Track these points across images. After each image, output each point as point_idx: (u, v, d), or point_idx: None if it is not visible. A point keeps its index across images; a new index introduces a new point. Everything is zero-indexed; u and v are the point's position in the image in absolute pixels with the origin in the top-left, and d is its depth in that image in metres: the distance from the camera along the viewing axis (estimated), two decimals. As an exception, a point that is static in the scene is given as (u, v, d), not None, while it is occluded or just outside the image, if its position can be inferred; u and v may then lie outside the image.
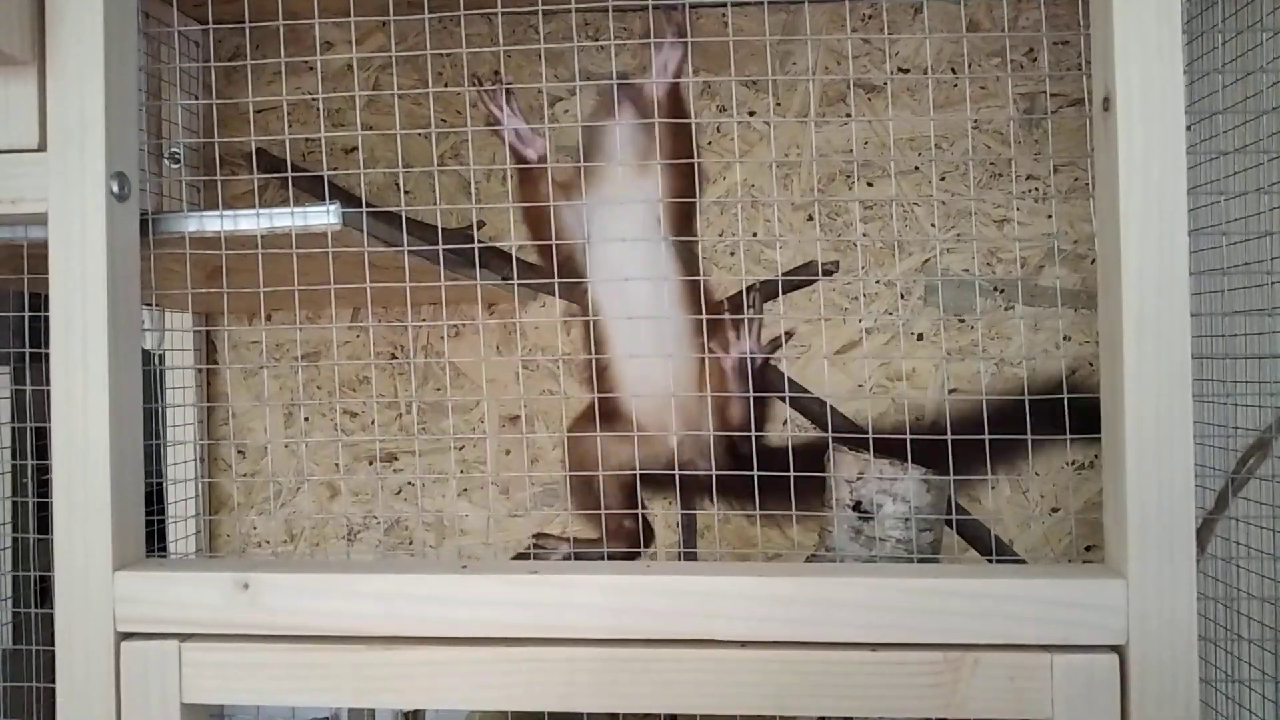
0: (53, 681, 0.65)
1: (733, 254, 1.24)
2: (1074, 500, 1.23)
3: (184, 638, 0.58)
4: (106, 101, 0.59)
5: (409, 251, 0.68)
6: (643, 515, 0.76)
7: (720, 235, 1.24)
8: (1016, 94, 1.23)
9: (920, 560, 0.59)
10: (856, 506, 0.59)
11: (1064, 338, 1.22)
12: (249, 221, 0.63)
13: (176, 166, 1.17)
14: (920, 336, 1.22)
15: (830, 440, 0.63)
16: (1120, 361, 0.56)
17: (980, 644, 0.54)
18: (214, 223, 0.63)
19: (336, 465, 1.28)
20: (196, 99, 1.22)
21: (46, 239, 0.62)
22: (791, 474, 0.55)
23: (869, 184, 1.23)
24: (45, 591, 1.10)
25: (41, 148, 0.60)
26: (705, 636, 0.55)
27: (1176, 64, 0.56)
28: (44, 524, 1.07)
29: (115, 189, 0.60)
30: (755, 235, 1.23)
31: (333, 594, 0.57)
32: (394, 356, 1.29)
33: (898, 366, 1.22)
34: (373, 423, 1.28)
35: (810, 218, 1.23)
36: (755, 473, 0.58)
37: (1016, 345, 1.21)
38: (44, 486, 1.13)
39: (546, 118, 1.25)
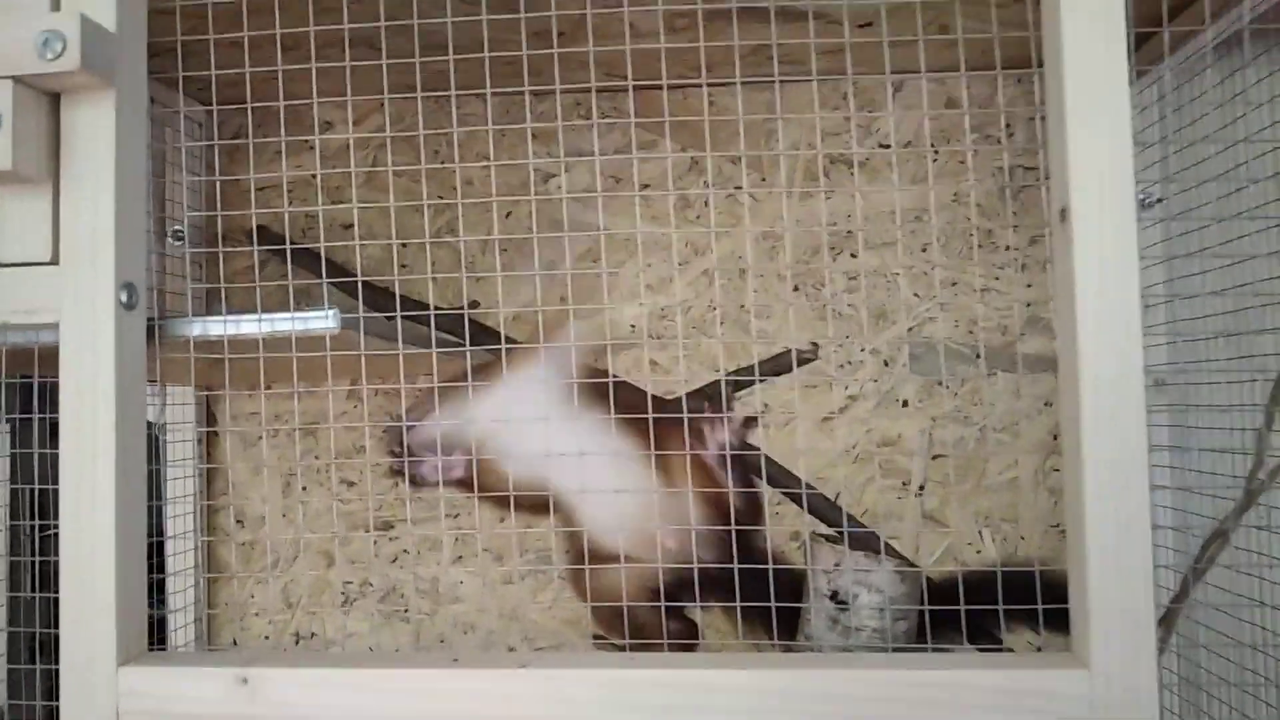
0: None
1: (722, 323, 1.27)
2: (1059, 564, 1.25)
3: (188, 731, 0.60)
4: (117, 216, 0.63)
5: (403, 350, 0.71)
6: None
7: (710, 305, 1.28)
8: (994, 167, 1.27)
9: (895, 649, 0.62)
10: (833, 596, 0.62)
11: (1045, 403, 1.25)
12: (251, 326, 0.66)
13: (179, 244, 1.21)
14: (905, 403, 1.25)
15: (808, 533, 0.66)
16: (1080, 456, 0.59)
17: (945, 734, 0.57)
18: (217, 327, 0.66)
19: (333, 534, 1.30)
20: (200, 177, 1.26)
21: (58, 343, 0.65)
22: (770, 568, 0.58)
23: (853, 255, 1.27)
24: (44, 645, 1.11)
25: (54, 261, 0.63)
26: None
27: (1128, 179, 0.60)
28: (44, 580, 1.10)
29: (124, 299, 0.63)
30: (743, 306, 1.27)
31: (329, 687, 0.59)
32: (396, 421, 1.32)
33: (885, 431, 1.25)
34: (369, 491, 1.30)
35: (796, 288, 1.27)
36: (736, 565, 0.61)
37: (1000, 411, 1.24)
38: (43, 544, 1.16)
39: (533, 190, 1.29)
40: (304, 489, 1.30)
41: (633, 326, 1.29)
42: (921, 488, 1.26)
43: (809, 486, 0.79)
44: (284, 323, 0.66)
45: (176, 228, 1.22)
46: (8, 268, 0.63)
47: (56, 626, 0.77)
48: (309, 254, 1.20)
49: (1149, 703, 0.57)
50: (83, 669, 0.61)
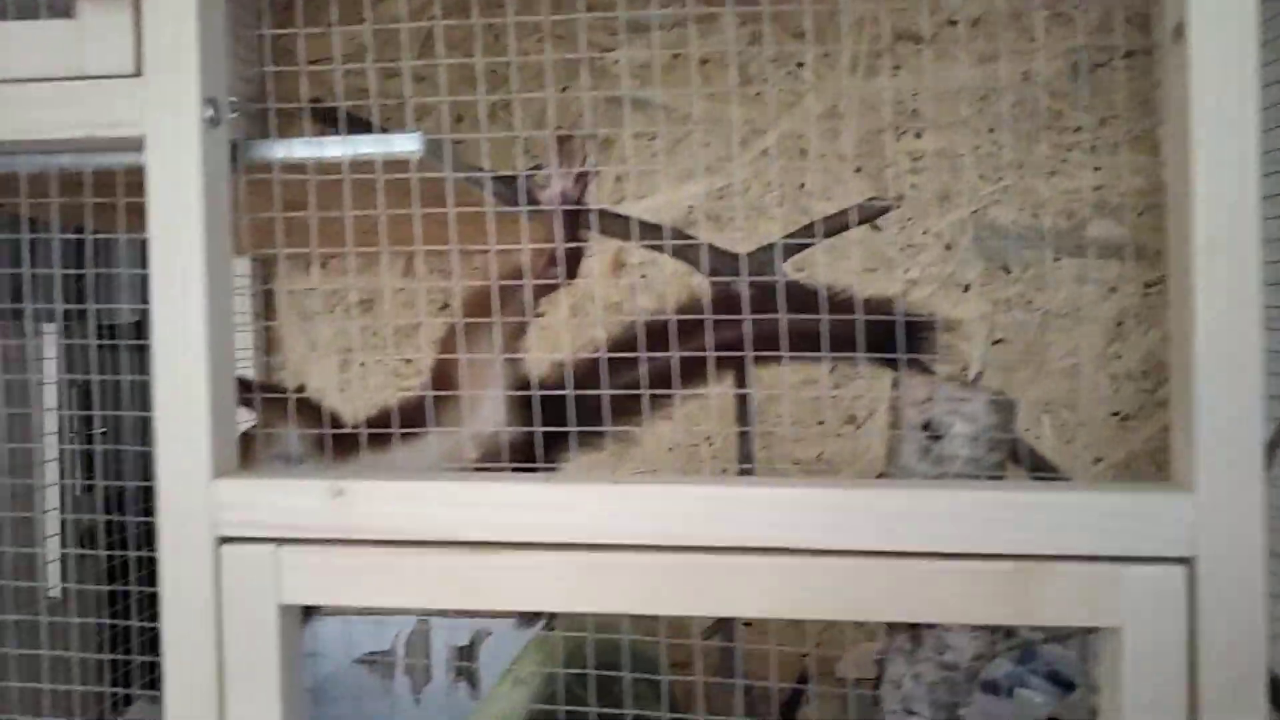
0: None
1: (781, 205, 1.25)
2: (1115, 452, 1.24)
3: (280, 542, 0.61)
4: (200, 27, 0.61)
5: (490, 182, 0.69)
6: None
7: (767, 186, 1.25)
8: (1065, 46, 1.23)
9: (988, 479, 0.61)
10: (925, 427, 0.61)
11: (1110, 289, 1.22)
12: (335, 148, 0.65)
13: (235, 116, 1.19)
14: (967, 288, 1.23)
15: (902, 362, 0.65)
16: (1191, 280, 0.57)
17: (1052, 555, 0.56)
18: (301, 149, 0.65)
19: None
20: (254, 49, 1.24)
21: (134, 165, 0.64)
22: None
23: (917, 135, 1.24)
24: (92, 534, 1.12)
25: (137, 73, 0.62)
26: (783, 545, 0.57)
27: (1250, -9, 0.57)
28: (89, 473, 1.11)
29: (209, 114, 0.62)
30: (802, 186, 1.24)
31: (425, 500, 0.60)
32: (445, 306, 1.32)
33: (945, 315, 1.23)
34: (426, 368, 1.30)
35: (858, 169, 1.24)
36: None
37: (1064, 296, 1.22)
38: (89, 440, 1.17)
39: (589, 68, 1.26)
40: (361, 364, 1.31)
41: (690, 207, 1.27)
42: (980, 374, 1.24)
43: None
44: (368, 144, 0.65)
45: (232, 100, 1.21)
46: (90, 80, 0.62)
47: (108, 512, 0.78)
48: (363, 125, 1.18)
49: (1255, 529, 0.56)
50: (178, 483, 0.61)
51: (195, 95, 0.61)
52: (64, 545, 1.14)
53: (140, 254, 0.63)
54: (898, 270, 1.24)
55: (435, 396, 0.74)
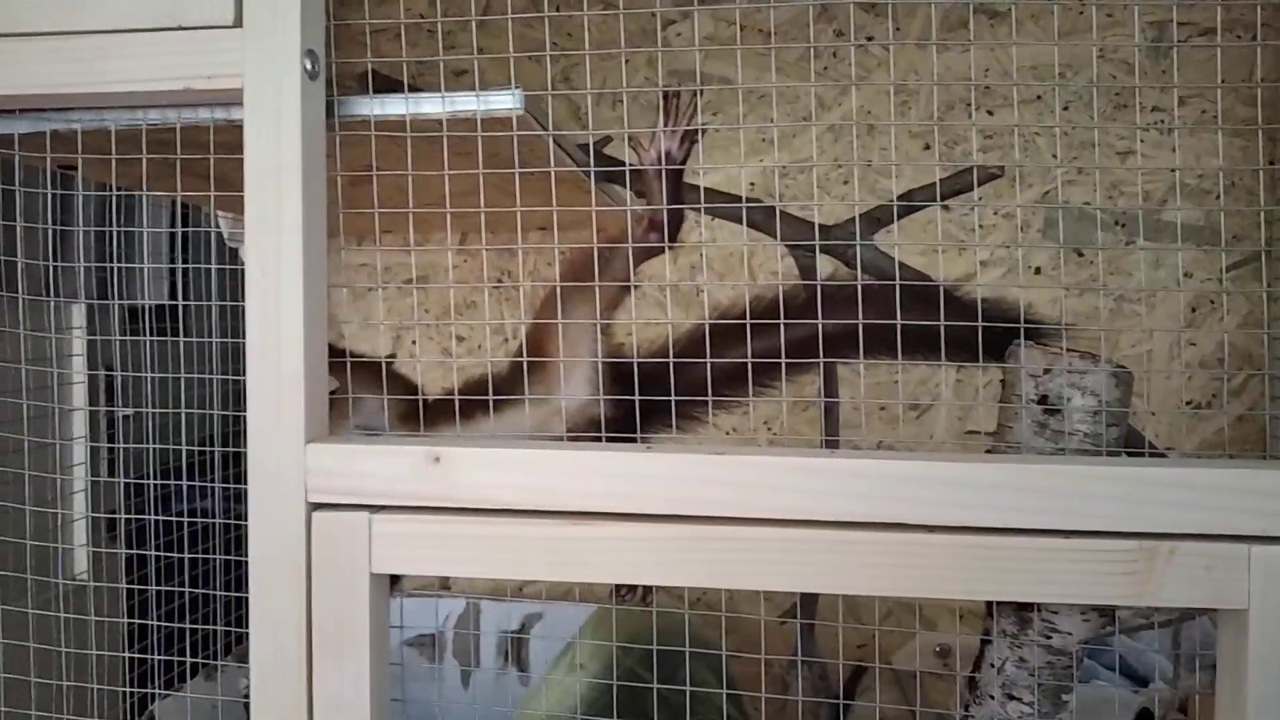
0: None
1: (845, 182, 1.22)
2: (1189, 441, 1.21)
3: (374, 509, 0.59)
4: (299, -21, 0.60)
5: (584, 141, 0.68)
6: None
7: (835, 162, 1.23)
8: (1144, 22, 1.19)
9: (1109, 454, 0.59)
10: (1043, 400, 0.59)
11: (1184, 274, 1.19)
12: (432, 105, 0.63)
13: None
14: (1038, 270, 1.20)
15: (1021, 331, 0.63)
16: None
17: (1177, 533, 0.54)
18: (397, 105, 0.63)
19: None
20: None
21: (231, 119, 0.63)
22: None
23: (989, 112, 1.21)
24: (110, 526, 1.11)
25: (237, 24, 0.60)
26: (895, 520, 0.55)
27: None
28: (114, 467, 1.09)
29: (308, 66, 0.60)
30: (870, 164, 1.22)
31: (523, 469, 0.58)
32: (500, 281, 1.30)
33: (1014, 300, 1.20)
34: (480, 347, 1.29)
35: (927, 146, 1.21)
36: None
37: (1137, 281, 1.19)
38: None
39: (659, 40, 1.24)
40: (414, 343, 1.30)
41: (752, 184, 1.25)
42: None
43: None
44: (467, 101, 0.63)
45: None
46: (190, 31, 0.61)
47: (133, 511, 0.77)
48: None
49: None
50: (269, 448, 0.60)
51: (296, 47, 0.60)
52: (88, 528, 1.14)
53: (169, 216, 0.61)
54: (968, 252, 1.21)
55: (529, 364, 0.72)
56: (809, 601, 0.84)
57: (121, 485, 0.87)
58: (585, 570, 0.58)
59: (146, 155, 0.65)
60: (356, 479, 0.59)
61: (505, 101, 0.62)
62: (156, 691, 0.94)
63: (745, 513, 0.57)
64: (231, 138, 0.62)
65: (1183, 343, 1.20)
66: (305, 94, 0.60)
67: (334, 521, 0.60)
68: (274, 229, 0.60)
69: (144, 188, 0.66)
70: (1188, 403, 1.20)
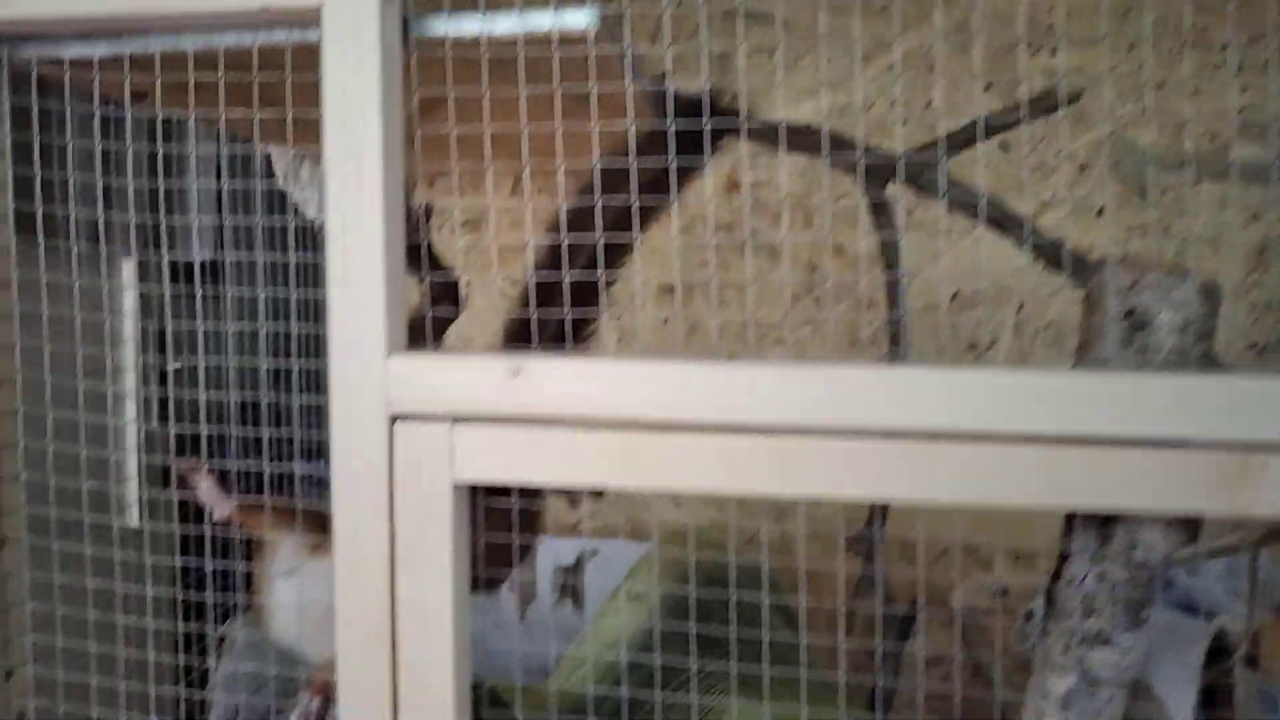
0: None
1: (905, 123, 1.21)
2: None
3: (455, 420, 0.60)
4: (377, -109, 0.60)
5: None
6: None
7: (891, 104, 1.21)
8: (1214, -43, 1.16)
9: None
10: (1129, 315, 0.58)
11: (1252, 215, 1.17)
12: (507, 23, 0.63)
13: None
14: (1101, 212, 1.19)
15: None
16: None
17: (1271, 443, 0.53)
18: (472, 23, 0.63)
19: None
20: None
21: (307, 40, 0.63)
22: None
23: (1052, 52, 1.18)
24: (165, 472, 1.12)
25: (314, -60, 0.60)
26: (984, 430, 0.55)
27: None
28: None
29: (385, -18, 0.60)
30: (929, 105, 1.20)
31: (603, 380, 0.58)
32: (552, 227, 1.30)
33: (1076, 241, 1.18)
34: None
35: (988, 86, 1.19)
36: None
37: (1204, 222, 1.17)
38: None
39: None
40: (468, 283, 1.30)
41: (808, 125, 1.23)
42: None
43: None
44: (540, 19, 0.63)
45: None
46: (267, -52, 0.61)
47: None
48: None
49: None
50: (352, 360, 0.61)
51: (372, -38, 0.60)
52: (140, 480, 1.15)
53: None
54: (1028, 193, 1.19)
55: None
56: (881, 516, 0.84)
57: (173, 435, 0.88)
58: (663, 480, 0.59)
59: (223, 77, 0.66)
60: (438, 390, 0.60)
61: (579, 19, 0.62)
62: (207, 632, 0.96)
63: (827, 423, 0.57)
64: (306, 60, 0.62)
65: (1249, 284, 1.18)
66: (383, 12, 0.60)
67: (416, 432, 0.61)
68: (353, 146, 0.60)
69: (221, 111, 0.66)
70: (1251, 346, 1.18)
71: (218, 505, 0.77)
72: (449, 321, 0.73)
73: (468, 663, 0.64)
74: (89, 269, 0.76)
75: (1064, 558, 0.64)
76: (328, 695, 0.72)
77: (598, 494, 0.68)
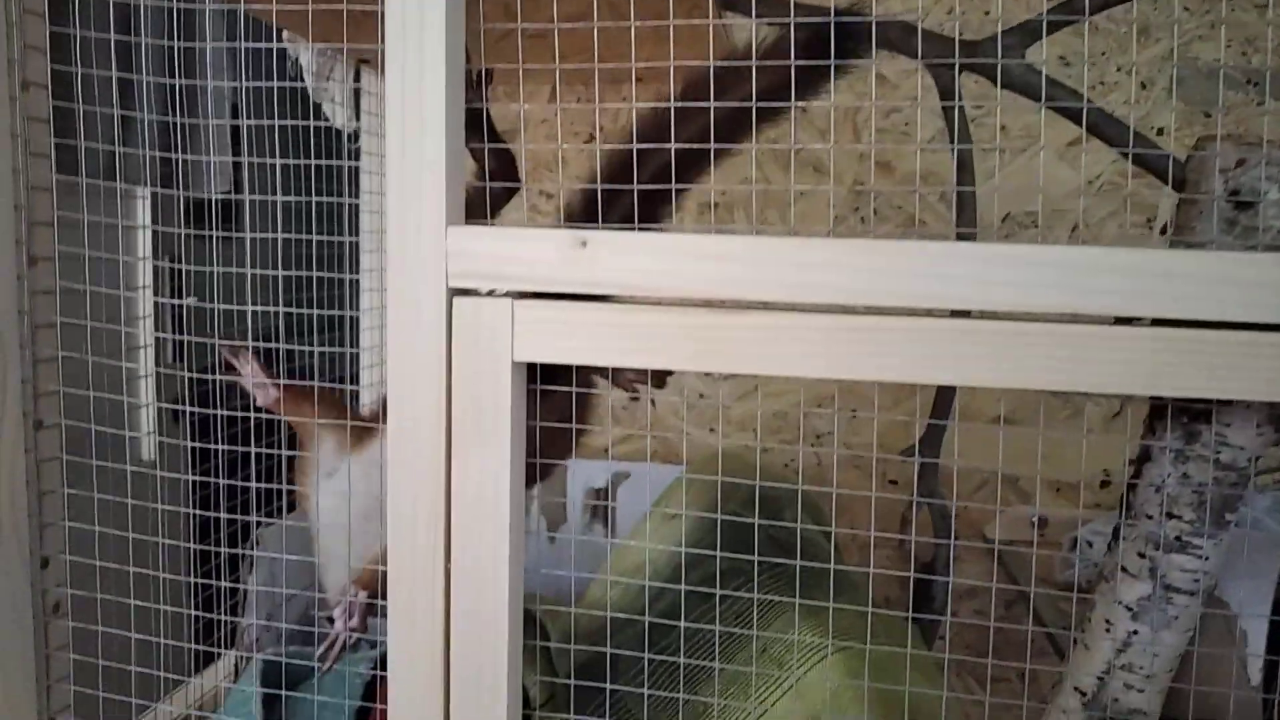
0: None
1: (987, 12, 1.16)
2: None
3: (517, 295, 0.58)
4: None
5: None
6: None
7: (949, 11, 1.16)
8: None
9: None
10: (1233, 194, 0.55)
11: (1319, 139, 1.12)
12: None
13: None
14: (1160, 131, 1.14)
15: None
16: None
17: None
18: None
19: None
20: None
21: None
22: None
23: (1118, -39, 1.13)
24: (175, 417, 1.09)
25: None
26: (1073, 311, 0.52)
27: None
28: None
29: None
30: (987, 14, 1.15)
31: (671, 255, 0.55)
32: (590, 139, 1.27)
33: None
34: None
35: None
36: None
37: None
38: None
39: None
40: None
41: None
42: (1165, 229, 1.16)
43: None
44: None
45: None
46: None
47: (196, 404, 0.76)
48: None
49: None
50: (409, 232, 0.58)
51: None
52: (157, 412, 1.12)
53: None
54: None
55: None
56: (932, 438, 0.81)
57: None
58: (731, 361, 0.56)
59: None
60: (499, 263, 0.57)
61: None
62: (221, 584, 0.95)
63: (904, 302, 0.54)
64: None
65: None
66: None
67: (476, 307, 0.58)
68: (416, 12, 0.57)
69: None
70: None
71: (261, 391, 0.75)
72: (504, 200, 0.69)
73: (522, 549, 0.62)
74: (102, 202, 0.73)
75: (1144, 459, 0.62)
76: (373, 589, 0.70)
77: (660, 383, 0.65)
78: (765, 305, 0.56)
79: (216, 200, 1.10)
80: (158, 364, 0.99)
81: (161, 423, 1.01)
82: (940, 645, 1.04)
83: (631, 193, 0.64)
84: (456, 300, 0.58)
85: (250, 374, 0.75)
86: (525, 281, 0.57)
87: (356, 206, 1.23)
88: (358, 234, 1.25)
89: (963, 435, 1.04)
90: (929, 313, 0.54)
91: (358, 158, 1.29)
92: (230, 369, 0.76)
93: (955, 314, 0.55)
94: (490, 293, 0.58)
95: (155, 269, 1.07)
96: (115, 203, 0.74)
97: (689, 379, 1.31)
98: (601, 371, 0.66)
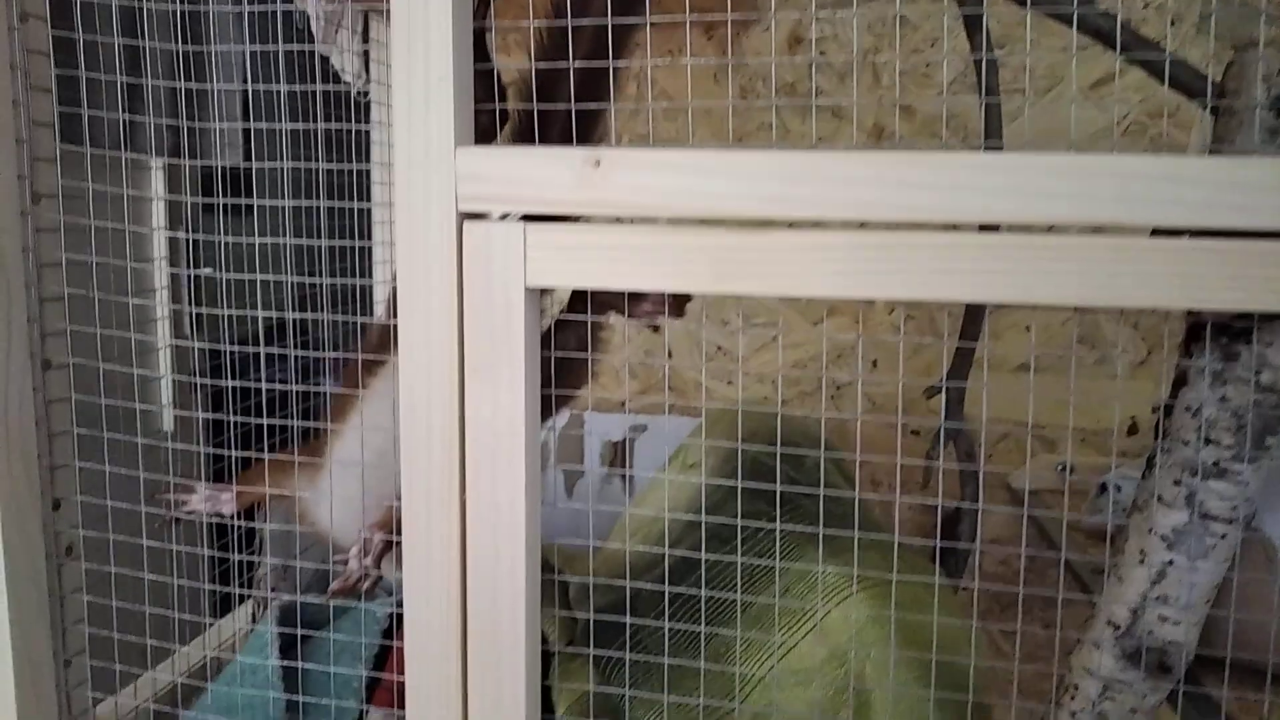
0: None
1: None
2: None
3: (530, 219, 0.56)
4: None
5: None
6: None
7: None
8: None
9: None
10: (1275, 102, 0.52)
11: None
12: None
13: None
14: (1190, 68, 1.11)
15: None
16: None
17: None
18: None
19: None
20: None
21: None
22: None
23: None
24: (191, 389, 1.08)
25: None
26: (1110, 222, 0.50)
27: None
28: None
29: None
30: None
31: (692, 172, 0.54)
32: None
33: (1159, 101, 1.11)
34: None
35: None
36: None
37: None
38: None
39: None
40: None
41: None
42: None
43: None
44: None
45: None
46: None
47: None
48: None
49: None
50: (416, 153, 0.56)
51: None
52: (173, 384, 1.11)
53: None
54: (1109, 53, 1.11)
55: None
56: (959, 366, 0.79)
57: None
58: (755, 283, 0.54)
59: None
60: (510, 185, 0.56)
61: None
62: (238, 557, 0.94)
63: (937, 217, 0.52)
64: None
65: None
66: None
67: (487, 232, 0.56)
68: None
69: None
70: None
71: (221, 504, 0.75)
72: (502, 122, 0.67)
73: (538, 480, 0.60)
74: (112, 172, 0.71)
75: (1180, 383, 0.60)
76: (388, 531, 0.69)
77: (678, 312, 0.63)
78: (790, 224, 0.54)
79: (227, 170, 1.09)
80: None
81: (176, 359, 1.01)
82: (965, 593, 1.03)
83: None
84: (467, 225, 0.56)
85: (200, 501, 0.75)
86: (537, 204, 0.56)
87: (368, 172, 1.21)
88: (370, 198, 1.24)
89: (989, 383, 1.02)
90: (961, 226, 0.52)
91: (368, 114, 1.27)
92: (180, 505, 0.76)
93: (984, 229, 0.53)
94: (504, 217, 0.56)
95: (170, 240, 1.06)
96: (139, 176, 0.72)
97: (708, 330, 1.29)
98: (617, 305, 0.64)
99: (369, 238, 1.28)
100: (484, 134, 0.60)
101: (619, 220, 0.55)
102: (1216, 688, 0.70)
